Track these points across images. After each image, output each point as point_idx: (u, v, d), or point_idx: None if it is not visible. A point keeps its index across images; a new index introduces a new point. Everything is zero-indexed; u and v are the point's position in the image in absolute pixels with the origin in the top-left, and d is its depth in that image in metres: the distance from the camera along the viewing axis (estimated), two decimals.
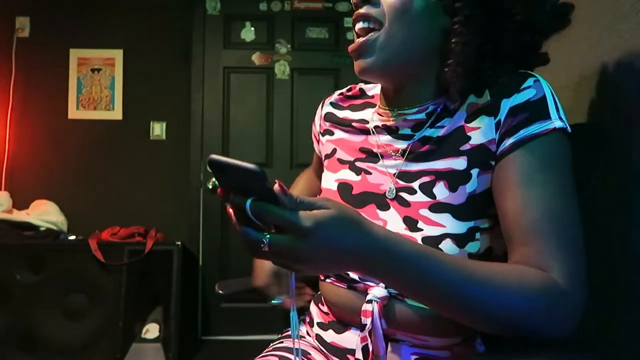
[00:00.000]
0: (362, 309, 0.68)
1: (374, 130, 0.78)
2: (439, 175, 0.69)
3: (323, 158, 0.88)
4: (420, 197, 0.70)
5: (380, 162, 0.76)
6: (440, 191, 0.68)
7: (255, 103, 2.89)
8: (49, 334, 2.25)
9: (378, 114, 0.78)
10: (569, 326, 0.57)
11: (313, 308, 0.86)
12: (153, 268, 2.35)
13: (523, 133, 0.63)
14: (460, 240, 0.65)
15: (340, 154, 0.82)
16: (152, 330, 2.34)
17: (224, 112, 2.88)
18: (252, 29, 2.90)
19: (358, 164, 0.79)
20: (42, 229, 2.48)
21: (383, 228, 0.58)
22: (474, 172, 0.67)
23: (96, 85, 2.85)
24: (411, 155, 0.73)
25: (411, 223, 0.69)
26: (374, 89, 0.85)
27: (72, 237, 2.50)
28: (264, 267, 0.93)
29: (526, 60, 0.72)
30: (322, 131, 0.88)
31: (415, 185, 0.71)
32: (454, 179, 0.68)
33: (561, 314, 0.57)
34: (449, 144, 0.70)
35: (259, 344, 1.05)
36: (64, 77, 2.84)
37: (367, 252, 0.54)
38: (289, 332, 0.92)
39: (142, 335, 2.32)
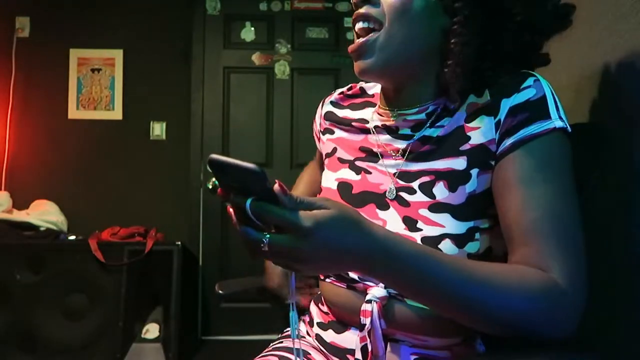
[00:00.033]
0: (362, 308, 0.68)
1: (373, 129, 0.78)
2: (438, 175, 0.69)
3: (324, 157, 0.88)
4: (419, 197, 0.70)
5: (380, 162, 0.76)
6: (440, 191, 0.68)
7: (255, 103, 2.89)
8: (49, 334, 2.25)
9: (378, 113, 0.78)
10: (569, 326, 0.57)
11: (313, 308, 0.86)
12: (153, 268, 2.35)
13: (523, 133, 0.63)
14: (459, 240, 0.65)
15: (341, 153, 0.82)
16: (152, 330, 2.34)
17: (224, 112, 2.88)
18: (252, 29, 2.90)
19: (358, 163, 0.79)
20: (42, 229, 2.48)
21: (383, 228, 0.58)
22: (474, 172, 0.67)
23: (96, 85, 2.85)
24: (411, 155, 0.73)
25: (410, 223, 0.69)
26: (374, 88, 0.85)
27: (72, 237, 2.50)
28: (276, 268, 0.94)
29: (527, 60, 0.71)
30: (322, 130, 0.88)
31: (415, 185, 0.71)
32: (453, 179, 0.68)
33: (561, 314, 0.57)
34: (449, 143, 0.70)
35: (259, 344, 1.05)
36: (64, 77, 2.84)
37: (367, 252, 0.54)
38: (289, 332, 0.92)
39: (142, 335, 2.32)
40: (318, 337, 0.80)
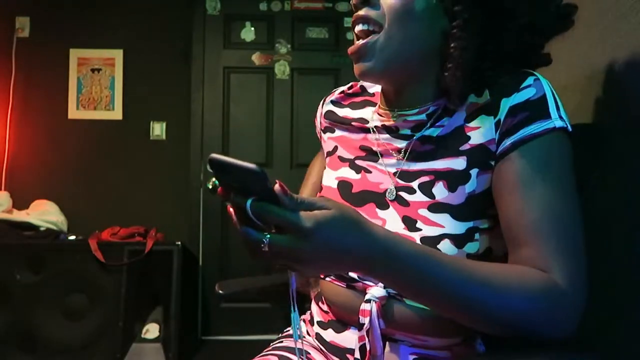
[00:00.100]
0: (361, 308, 0.68)
1: (373, 129, 0.78)
2: (438, 175, 0.69)
3: (325, 155, 0.88)
4: (419, 196, 0.69)
5: (380, 161, 0.76)
6: (440, 191, 0.68)
7: (255, 103, 2.89)
8: (49, 334, 2.25)
9: (378, 114, 0.78)
10: (569, 326, 0.57)
11: (313, 306, 0.86)
12: (153, 268, 2.35)
13: (523, 133, 0.63)
14: (459, 240, 0.65)
15: (341, 152, 0.82)
16: (152, 330, 2.34)
17: (224, 112, 2.88)
18: (252, 29, 2.90)
19: (358, 162, 0.79)
20: (42, 229, 2.48)
21: (383, 228, 0.58)
22: (474, 172, 0.67)
23: (96, 85, 2.85)
24: (410, 155, 0.73)
25: (410, 223, 0.69)
26: (374, 87, 0.85)
27: (72, 237, 2.51)
28: None
29: (527, 60, 0.71)
30: (323, 129, 0.88)
31: (415, 184, 0.71)
32: (453, 179, 0.68)
33: (561, 314, 0.57)
34: (449, 143, 0.70)
35: (259, 344, 1.05)
36: (64, 77, 2.84)
37: (367, 252, 0.54)
38: (289, 332, 0.92)
39: (142, 335, 2.32)
40: (318, 336, 0.80)
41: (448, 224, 0.66)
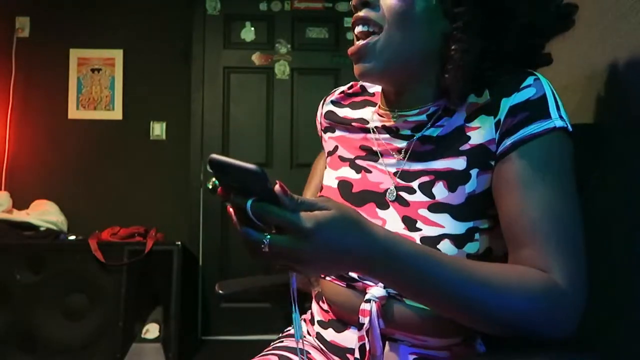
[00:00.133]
0: (361, 308, 0.68)
1: (374, 129, 0.78)
2: (438, 175, 0.69)
3: (326, 155, 0.88)
4: (419, 196, 0.69)
5: (380, 161, 0.76)
6: (440, 191, 0.68)
7: (255, 103, 2.89)
8: (49, 334, 2.25)
9: (378, 114, 0.78)
10: (569, 327, 0.57)
11: (314, 305, 0.86)
12: (153, 268, 2.35)
13: (523, 132, 0.63)
14: (459, 240, 0.65)
15: (341, 151, 0.82)
16: (152, 330, 2.34)
17: (224, 112, 2.88)
18: (252, 29, 2.90)
19: (358, 161, 0.79)
20: (42, 229, 2.48)
21: (383, 228, 0.58)
22: (474, 172, 0.67)
23: (96, 85, 2.85)
24: (411, 155, 0.73)
25: (410, 223, 0.69)
26: (374, 87, 0.85)
27: (72, 237, 2.51)
28: None
29: (528, 60, 0.71)
30: (323, 128, 0.88)
31: (415, 184, 0.71)
32: (453, 179, 0.68)
33: (561, 314, 0.57)
34: (449, 143, 0.70)
35: (259, 344, 1.05)
36: (64, 77, 2.84)
37: (367, 252, 0.54)
38: (290, 332, 0.92)
39: (142, 335, 2.32)
40: (318, 336, 0.80)
41: (448, 224, 0.66)
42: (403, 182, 0.72)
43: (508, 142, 0.64)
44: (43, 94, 2.83)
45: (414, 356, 0.69)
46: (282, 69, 2.88)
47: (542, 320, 0.57)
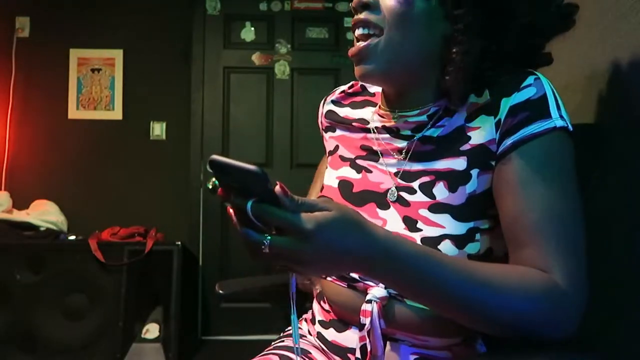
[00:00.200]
0: (362, 308, 0.68)
1: (374, 129, 0.78)
2: (438, 175, 0.69)
3: (327, 154, 0.88)
4: (419, 197, 0.69)
5: (381, 161, 0.76)
6: (440, 191, 0.68)
7: (255, 103, 2.89)
8: (49, 334, 2.25)
9: (378, 114, 0.78)
10: (569, 327, 0.57)
11: (315, 305, 0.86)
12: (153, 268, 2.35)
13: (523, 132, 0.63)
14: (459, 241, 0.65)
15: (342, 151, 0.82)
16: (152, 330, 2.34)
17: (224, 112, 2.88)
18: (252, 29, 2.90)
19: (359, 161, 0.79)
20: (42, 229, 2.48)
21: (383, 229, 0.58)
22: (474, 172, 0.67)
23: (96, 85, 2.85)
24: (411, 155, 0.73)
25: (410, 223, 0.68)
26: (375, 86, 0.85)
27: (72, 237, 2.51)
28: None
29: (528, 60, 0.71)
30: (324, 128, 0.88)
31: (415, 185, 0.71)
32: (453, 179, 0.68)
33: (562, 314, 0.57)
34: (449, 143, 0.70)
35: (259, 344, 1.05)
36: (64, 77, 2.84)
37: (367, 252, 0.54)
38: (290, 331, 0.92)
39: (142, 335, 2.33)
40: (319, 335, 0.80)
41: (449, 225, 0.66)
42: (404, 183, 0.72)
43: (508, 142, 0.64)
44: (43, 94, 2.83)
45: (415, 356, 0.69)
46: (282, 69, 2.88)
47: (543, 321, 0.57)
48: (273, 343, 0.88)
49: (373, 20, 0.68)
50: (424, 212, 0.68)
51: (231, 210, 0.54)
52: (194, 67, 2.86)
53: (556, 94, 0.65)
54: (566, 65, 0.95)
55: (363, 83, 0.81)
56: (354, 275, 0.71)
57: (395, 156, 0.74)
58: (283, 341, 0.87)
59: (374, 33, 0.69)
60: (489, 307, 0.57)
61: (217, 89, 2.88)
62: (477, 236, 0.65)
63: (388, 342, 0.70)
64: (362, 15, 0.69)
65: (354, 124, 0.82)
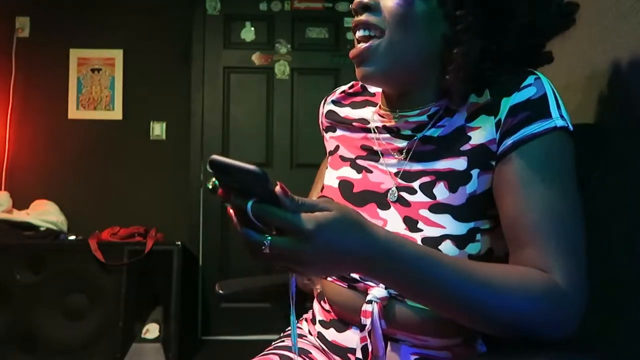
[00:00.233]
0: (362, 309, 0.68)
1: (374, 129, 0.78)
2: (439, 175, 0.69)
3: (327, 154, 0.88)
4: (420, 197, 0.69)
5: (381, 161, 0.76)
6: (440, 191, 0.68)
7: (255, 103, 2.89)
8: (49, 334, 2.25)
9: (379, 114, 0.78)
10: (569, 327, 0.57)
11: (315, 305, 0.86)
12: (153, 268, 2.35)
13: (523, 132, 0.63)
14: (460, 241, 0.65)
15: (343, 151, 0.82)
16: (152, 330, 2.34)
17: (224, 112, 2.88)
18: (252, 29, 2.90)
19: (359, 161, 0.79)
20: (42, 229, 2.48)
21: (383, 229, 0.58)
22: (474, 172, 0.67)
23: (96, 85, 2.85)
24: (411, 155, 0.73)
25: (411, 223, 0.68)
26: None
27: (72, 237, 2.51)
28: None
29: (528, 60, 0.71)
30: (324, 128, 0.88)
31: (416, 185, 0.71)
32: (454, 180, 0.68)
33: (562, 314, 0.57)
34: (450, 144, 0.70)
35: (259, 344, 1.05)
36: (64, 77, 2.84)
37: (367, 252, 0.54)
38: (290, 331, 0.92)
39: (142, 335, 2.33)
40: (320, 335, 0.80)
41: (449, 225, 0.66)
42: (404, 183, 0.72)
43: (509, 141, 0.64)
44: (43, 94, 2.83)
45: (415, 356, 0.69)
46: (282, 69, 2.88)
47: (543, 321, 0.57)
48: (273, 343, 0.88)
49: (374, 21, 0.68)
50: (425, 213, 0.68)
51: (231, 211, 0.54)
52: (194, 67, 2.86)
53: (556, 94, 0.65)
54: (566, 65, 0.95)
55: (365, 84, 0.81)
56: (355, 275, 0.71)
57: (396, 156, 0.74)
58: (283, 341, 0.87)
59: (375, 35, 0.69)
60: (489, 307, 0.57)
61: (217, 89, 2.88)
62: (478, 236, 0.65)
63: (389, 343, 0.70)
64: (363, 17, 0.69)
65: (354, 124, 0.82)
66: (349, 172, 0.79)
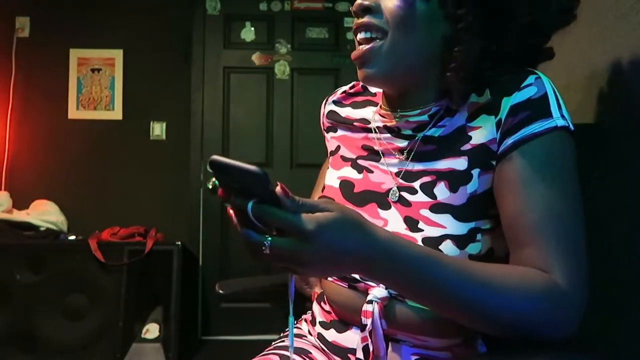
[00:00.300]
0: (363, 309, 0.68)
1: (375, 129, 0.78)
2: (439, 175, 0.69)
3: (328, 154, 0.88)
4: (420, 197, 0.69)
5: (382, 161, 0.76)
6: (441, 191, 0.68)
7: (255, 103, 2.89)
8: (49, 334, 2.25)
9: (380, 114, 0.78)
10: (570, 327, 0.57)
11: (315, 306, 0.86)
12: (153, 268, 2.35)
13: (524, 132, 0.63)
14: (460, 241, 0.65)
15: (344, 151, 0.82)
16: (152, 330, 2.34)
17: (224, 112, 2.88)
18: (252, 29, 2.90)
19: (360, 161, 0.79)
20: (42, 229, 2.48)
21: (384, 230, 0.58)
22: (475, 172, 0.67)
23: (96, 85, 2.85)
24: (412, 155, 0.73)
25: (412, 223, 0.68)
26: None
27: (72, 237, 2.51)
28: None
29: (529, 59, 0.71)
30: (325, 128, 0.89)
31: (416, 185, 0.71)
32: (454, 179, 0.68)
33: (562, 314, 0.57)
34: (450, 143, 0.70)
35: (259, 344, 1.05)
36: (64, 77, 2.84)
37: (367, 252, 0.54)
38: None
39: (142, 335, 2.33)
40: (320, 336, 0.80)
41: (450, 225, 0.66)
42: (405, 182, 0.72)
43: (509, 141, 0.64)
44: (43, 94, 2.83)
45: (416, 356, 0.69)
46: (282, 69, 2.88)
47: (543, 321, 0.57)
48: (273, 343, 0.88)
49: (375, 23, 0.68)
50: (425, 212, 0.68)
51: (231, 211, 0.54)
52: (194, 67, 2.86)
53: (557, 93, 0.65)
54: (566, 65, 0.95)
55: (366, 85, 0.81)
56: (355, 275, 0.71)
57: (397, 156, 0.74)
58: (283, 341, 0.87)
59: (376, 36, 0.69)
60: (489, 307, 0.57)
61: (217, 89, 2.88)
62: (478, 236, 0.65)
63: (390, 343, 0.70)
64: (365, 19, 0.69)
65: (355, 124, 0.82)
66: (349, 172, 0.79)
